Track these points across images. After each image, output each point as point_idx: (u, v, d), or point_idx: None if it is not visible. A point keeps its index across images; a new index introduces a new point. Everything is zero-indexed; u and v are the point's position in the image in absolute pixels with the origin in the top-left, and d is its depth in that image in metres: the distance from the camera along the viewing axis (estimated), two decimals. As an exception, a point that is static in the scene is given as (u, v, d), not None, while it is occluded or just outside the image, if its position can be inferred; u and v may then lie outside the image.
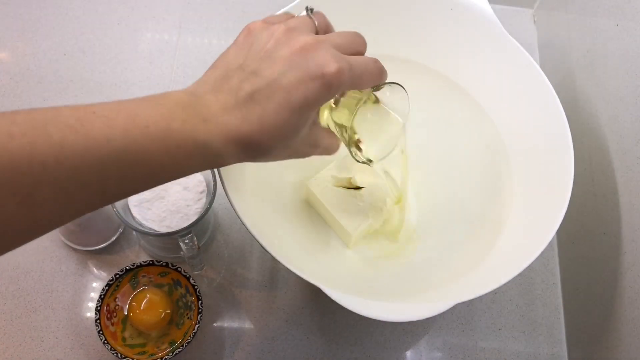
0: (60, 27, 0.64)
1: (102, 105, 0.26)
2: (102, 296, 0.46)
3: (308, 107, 0.29)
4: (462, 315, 0.53)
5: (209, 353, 0.50)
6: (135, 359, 0.45)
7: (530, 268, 0.37)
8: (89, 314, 0.51)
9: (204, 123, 0.28)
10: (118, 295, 0.48)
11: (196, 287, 0.48)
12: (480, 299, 0.37)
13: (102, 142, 0.25)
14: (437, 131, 0.55)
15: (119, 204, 0.46)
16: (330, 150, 0.37)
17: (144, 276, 0.49)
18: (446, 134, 0.55)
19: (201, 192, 0.49)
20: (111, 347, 0.45)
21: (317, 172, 0.54)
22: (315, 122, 0.34)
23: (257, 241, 0.37)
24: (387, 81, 0.35)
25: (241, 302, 0.52)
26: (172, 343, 0.47)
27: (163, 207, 0.47)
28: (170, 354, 0.45)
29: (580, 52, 0.56)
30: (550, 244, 0.54)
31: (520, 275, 0.37)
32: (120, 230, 0.53)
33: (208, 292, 0.52)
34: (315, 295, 0.53)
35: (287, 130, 0.29)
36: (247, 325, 0.51)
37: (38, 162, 0.23)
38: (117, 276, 0.47)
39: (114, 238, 0.53)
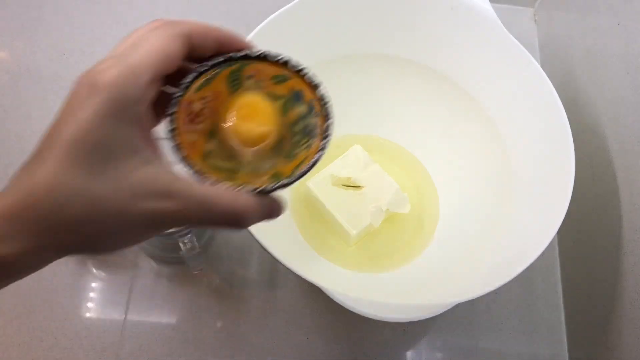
0: (60, 27, 0.64)
1: None
2: (187, 85, 0.28)
3: (90, 133, 0.21)
4: (462, 315, 0.53)
5: (209, 353, 0.50)
6: (216, 178, 0.27)
7: (530, 268, 0.37)
8: (88, 314, 0.50)
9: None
10: (208, 94, 0.29)
11: (327, 103, 0.30)
12: (480, 299, 0.36)
13: None
14: (436, 130, 0.55)
15: None
16: (218, 204, 0.24)
17: (250, 77, 0.31)
18: (445, 133, 0.55)
19: None
20: (186, 157, 0.26)
21: (317, 172, 0.54)
22: (152, 163, 0.23)
23: (257, 241, 0.37)
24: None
25: (241, 302, 0.52)
26: (276, 176, 0.30)
27: None
28: (272, 184, 0.27)
29: (581, 52, 0.56)
30: (551, 243, 0.53)
31: (520, 275, 0.37)
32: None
33: (208, 292, 0.52)
34: (315, 295, 0.53)
35: (74, 178, 0.21)
36: (247, 325, 0.51)
37: None
38: (213, 65, 0.28)
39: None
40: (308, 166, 0.29)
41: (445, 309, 0.36)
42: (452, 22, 0.48)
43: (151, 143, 0.25)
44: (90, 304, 0.51)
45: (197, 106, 0.29)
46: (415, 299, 0.45)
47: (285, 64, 0.30)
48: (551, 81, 0.45)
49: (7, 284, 0.23)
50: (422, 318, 0.36)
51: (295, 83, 0.31)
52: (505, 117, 0.49)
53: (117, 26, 0.64)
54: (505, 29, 0.46)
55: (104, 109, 0.22)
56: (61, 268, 0.52)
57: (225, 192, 0.24)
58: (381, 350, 0.51)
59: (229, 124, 0.30)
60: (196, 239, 0.46)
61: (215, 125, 0.29)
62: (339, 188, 0.53)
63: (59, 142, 0.21)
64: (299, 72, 0.30)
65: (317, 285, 0.35)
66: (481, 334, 0.53)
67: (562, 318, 0.54)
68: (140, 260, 0.53)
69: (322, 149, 0.30)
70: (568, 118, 0.43)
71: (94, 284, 0.52)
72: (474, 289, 0.37)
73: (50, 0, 0.65)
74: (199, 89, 0.29)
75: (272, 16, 0.45)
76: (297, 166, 0.30)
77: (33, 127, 0.58)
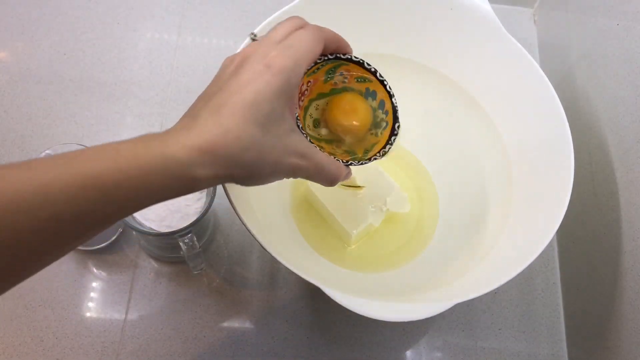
0: (60, 27, 0.64)
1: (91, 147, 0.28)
2: (306, 72, 0.35)
3: (265, 102, 0.29)
4: (462, 315, 0.53)
5: (209, 353, 0.50)
6: (318, 146, 0.36)
7: (530, 268, 0.37)
8: (88, 314, 0.51)
9: (163, 142, 0.28)
10: (312, 79, 0.40)
11: (396, 107, 0.40)
12: (480, 299, 0.37)
13: (86, 177, 0.26)
14: (436, 130, 0.55)
15: None
16: (327, 168, 0.34)
17: (341, 74, 0.40)
18: (445, 133, 0.55)
19: (201, 192, 0.49)
20: (302, 127, 0.36)
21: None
22: (295, 131, 0.32)
23: (257, 241, 0.37)
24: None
25: (241, 302, 0.52)
26: (352, 154, 0.41)
27: (163, 207, 0.47)
28: (356, 162, 0.39)
29: (580, 52, 0.56)
30: (551, 243, 0.54)
31: (520, 275, 0.37)
32: (120, 230, 0.53)
33: (208, 292, 0.52)
34: (315, 295, 0.53)
35: (253, 133, 0.29)
36: (247, 325, 0.51)
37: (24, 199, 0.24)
38: (326, 60, 0.38)
39: (113, 238, 0.53)
40: (380, 155, 0.39)
41: (444, 309, 0.36)
42: (452, 23, 0.48)
43: (294, 116, 0.34)
44: (90, 304, 0.51)
45: (303, 87, 0.39)
46: (415, 299, 0.45)
47: (374, 72, 0.39)
48: (550, 81, 0.45)
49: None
50: (422, 318, 0.36)
51: (373, 85, 0.40)
52: (505, 117, 0.49)
53: (117, 26, 0.65)
54: (504, 29, 0.47)
55: (277, 86, 0.29)
56: (61, 268, 0.52)
57: (332, 161, 0.34)
58: (381, 350, 0.51)
59: (335, 116, 0.40)
60: (196, 239, 0.46)
61: (310, 104, 0.40)
62: (339, 188, 0.53)
63: (241, 103, 0.28)
64: (378, 78, 0.39)
65: (318, 286, 0.36)
66: (481, 333, 0.53)
67: (562, 318, 0.54)
68: (141, 260, 0.53)
69: (391, 143, 0.39)
70: (567, 118, 0.43)
71: (94, 284, 0.52)
72: (474, 289, 0.37)
73: (51, 1, 0.65)
74: (309, 75, 0.38)
75: (272, 16, 0.45)
76: (368, 151, 0.40)
77: (33, 127, 0.58)
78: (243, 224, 0.37)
